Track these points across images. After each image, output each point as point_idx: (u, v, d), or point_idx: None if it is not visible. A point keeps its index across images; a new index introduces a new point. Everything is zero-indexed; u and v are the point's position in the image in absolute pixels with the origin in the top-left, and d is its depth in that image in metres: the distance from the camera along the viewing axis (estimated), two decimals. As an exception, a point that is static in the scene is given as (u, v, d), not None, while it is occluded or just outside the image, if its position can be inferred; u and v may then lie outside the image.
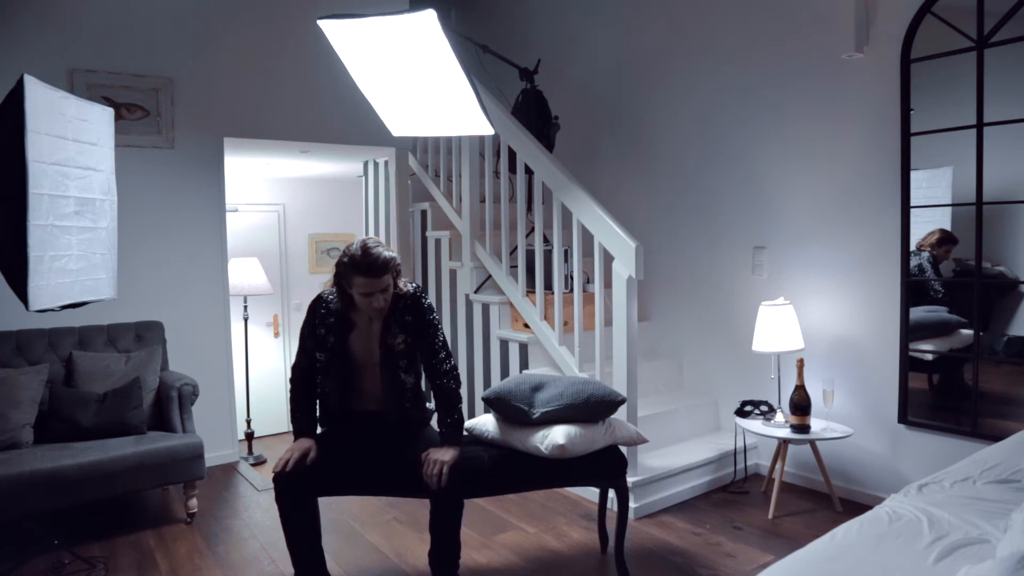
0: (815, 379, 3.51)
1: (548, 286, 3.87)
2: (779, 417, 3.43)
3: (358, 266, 2.31)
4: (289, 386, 2.60)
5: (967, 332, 3.12)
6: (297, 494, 2.38)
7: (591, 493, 3.51)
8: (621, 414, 3.30)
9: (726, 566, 2.81)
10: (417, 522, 3.30)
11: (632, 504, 3.29)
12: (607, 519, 2.99)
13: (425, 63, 2.05)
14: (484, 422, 2.72)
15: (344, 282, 2.37)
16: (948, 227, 3.17)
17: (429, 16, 1.86)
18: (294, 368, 2.58)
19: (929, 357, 3.26)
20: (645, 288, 4.41)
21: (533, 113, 4.42)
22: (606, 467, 2.67)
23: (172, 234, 4.09)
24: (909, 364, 3.29)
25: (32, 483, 2.81)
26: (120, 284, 2.87)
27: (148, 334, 3.79)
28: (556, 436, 2.50)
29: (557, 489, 3.67)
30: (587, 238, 3.61)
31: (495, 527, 3.23)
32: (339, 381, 2.48)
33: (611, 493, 2.90)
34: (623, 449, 3.26)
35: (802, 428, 3.27)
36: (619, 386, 3.30)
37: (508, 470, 2.59)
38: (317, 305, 2.51)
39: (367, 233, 5.40)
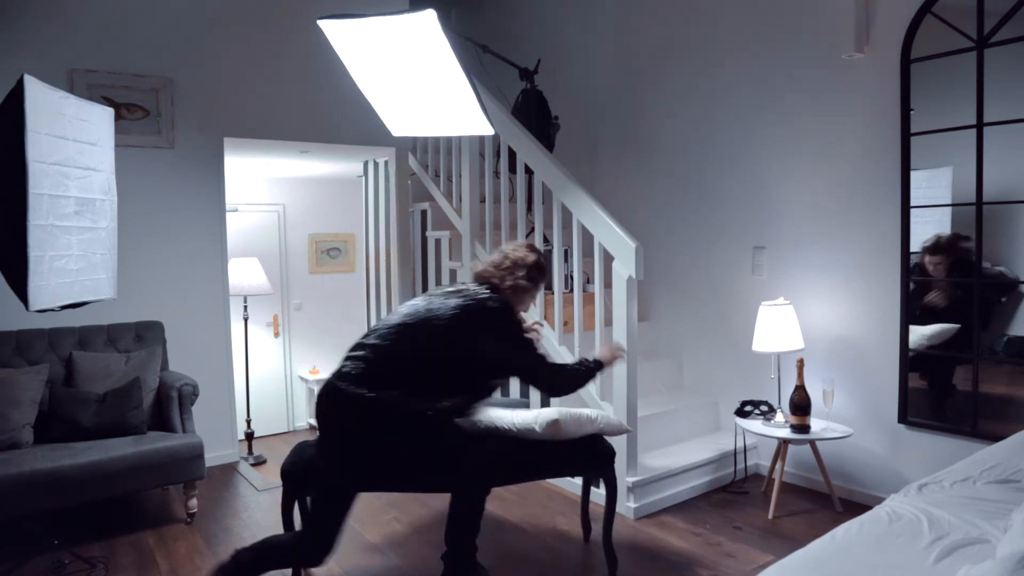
0: (815, 379, 3.51)
1: (548, 286, 3.86)
2: (779, 417, 3.43)
3: (544, 274, 2.53)
4: (567, 371, 2.52)
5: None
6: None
7: (592, 494, 3.52)
8: (621, 414, 3.30)
9: (726, 566, 2.81)
10: (417, 522, 3.30)
11: (632, 504, 3.30)
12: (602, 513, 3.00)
13: (425, 63, 2.05)
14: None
15: (532, 284, 2.49)
16: (948, 227, 3.17)
17: (429, 16, 1.86)
18: (551, 364, 2.49)
19: (926, 344, 3.26)
20: (645, 288, 4.41)
21: (533, 113, 4.42)
22: (595, 457, 2.74)
23: (172, 234, 4.09)
24: (909, 364, 3.29)
25: (32, 483, 2.81)
26: (120, 284, 2.87)
27: (148, 334, 3.79)
28: (549, 413, 2.59)
29: (556, 489, 3.68)
30: (587, 238, 3.61)
31: (495, 527, 3.23)
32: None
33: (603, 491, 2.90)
34: (622, 447, 3.27)
35: (802, 428, 3.27)
36: (619, 386, 3.30)
37: (503, 460, 2.61)
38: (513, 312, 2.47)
39: (367, 233, 5.38)
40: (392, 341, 2.29)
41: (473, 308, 2.33)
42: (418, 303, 2.41)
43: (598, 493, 3.12)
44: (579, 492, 3.20)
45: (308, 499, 2.52)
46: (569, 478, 3.63)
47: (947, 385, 3.23)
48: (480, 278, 2.51)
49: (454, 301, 2.34)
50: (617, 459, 3.30)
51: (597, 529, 2.90)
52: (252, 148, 4.60)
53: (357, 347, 2.33)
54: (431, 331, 2.29)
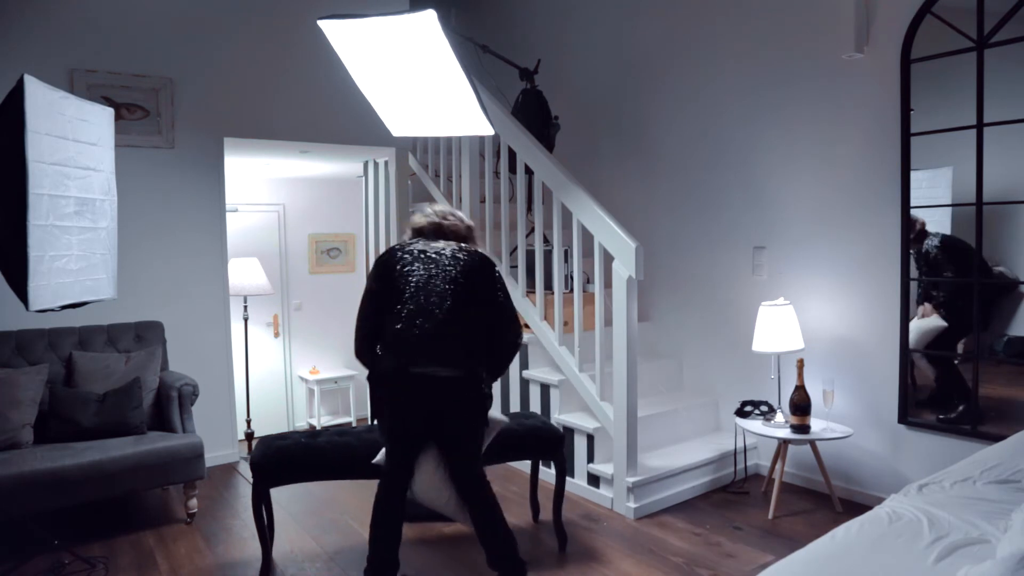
0: (815, 379, 3.51)
1: (548, 286, 3.87)
2: (779, 417, 3.43)
3: None
4: None
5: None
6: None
7: (584, 491, 3.52)
8: (621, 414, 3.31)
9: (726, 566, 2.81)
10: (416, 522, 3.30)
11: (632, 504, 3.30)
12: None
13: (425, 63, 2.05)
14: None
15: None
16: (948, 227, 3.18)
17: (429, 16, 1.87)
18: None
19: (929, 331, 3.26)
20: (645, 288, 4.40)
21: (533, 113, 4.42)
22: (543, 445, 2.98)
23: (172, 234, 4.09)
24: (909, 364, 3.29)
25: (32, 483, 2.81)
26: (120, 284, 2.87)
27: (148, 334, 3.79)
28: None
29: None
30: (587, 238, 3.61)
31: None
32: None
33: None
34: (622, 448, 3.27)
35: (802, 428, 3.27)
36: (619, 386, 3.31)
37: None
38: None
39: (367, 233, 5.38)
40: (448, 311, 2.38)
41: (485, 262, 2.50)
42: (429, 270, 2.42)
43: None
44: (548, 475, 3.30)
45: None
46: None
47: (957, 383, 3.22)
48: (456, 235, 2.57)
49: (465, 259, 2.46)
50: (616, 459, 3.34)
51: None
52: (252, 148, 4.60)
53: (416, 322, 2.37)
54: (467, 292, 2.42)
